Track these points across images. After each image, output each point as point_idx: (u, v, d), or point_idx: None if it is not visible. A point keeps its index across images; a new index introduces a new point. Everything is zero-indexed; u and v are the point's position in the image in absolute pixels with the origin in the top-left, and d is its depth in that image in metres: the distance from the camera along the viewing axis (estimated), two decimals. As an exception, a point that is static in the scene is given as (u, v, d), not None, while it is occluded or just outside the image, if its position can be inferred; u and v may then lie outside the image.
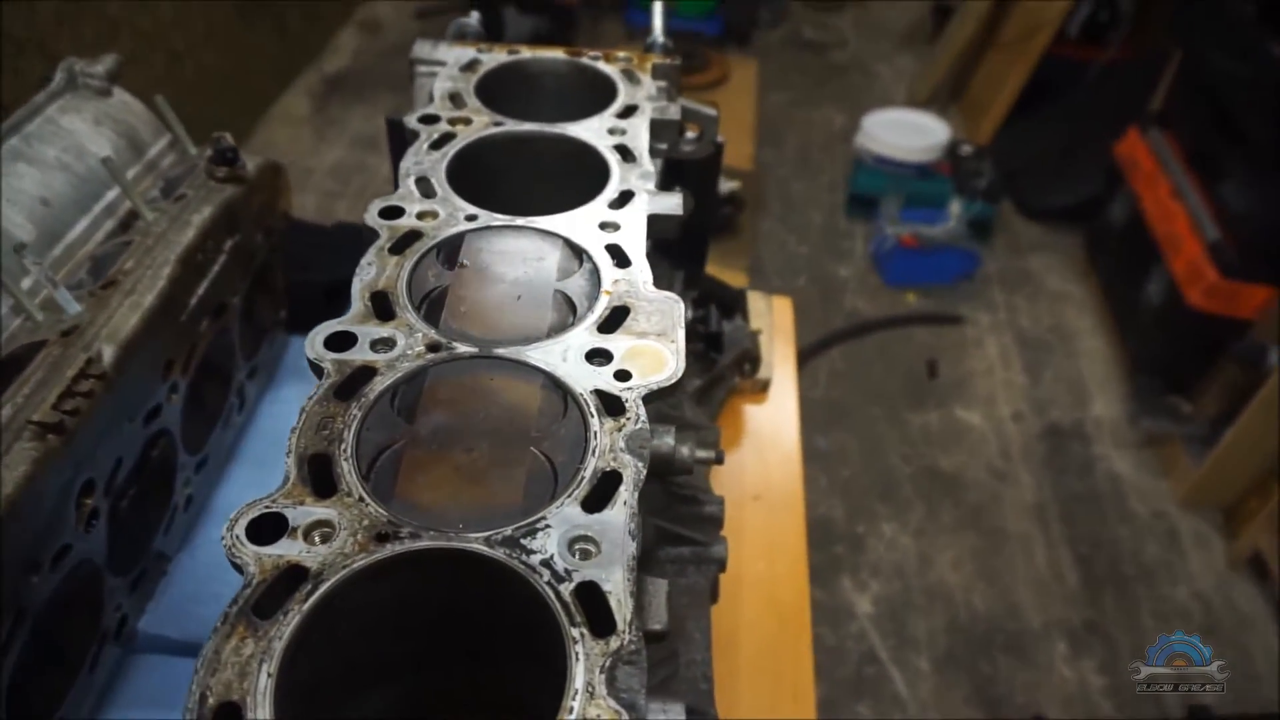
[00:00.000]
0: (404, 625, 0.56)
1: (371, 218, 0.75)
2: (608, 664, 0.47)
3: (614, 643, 0.48)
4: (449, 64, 0.96)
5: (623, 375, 0.63)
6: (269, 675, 0.45)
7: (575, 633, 0.48)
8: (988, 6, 4.30)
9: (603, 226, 0.76)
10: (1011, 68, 4.19)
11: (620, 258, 0.73)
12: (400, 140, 0.93)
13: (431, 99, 0.91)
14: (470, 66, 0.96)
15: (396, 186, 0.79)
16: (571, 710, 0.45)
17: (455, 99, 0.90)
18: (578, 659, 0.47)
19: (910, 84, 4.78)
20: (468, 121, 0.87)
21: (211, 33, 3.60)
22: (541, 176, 0.86)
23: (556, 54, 0.99)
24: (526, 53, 0.99)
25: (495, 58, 0.98)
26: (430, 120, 0.87)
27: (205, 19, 3.54)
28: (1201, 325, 2.72)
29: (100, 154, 0.98)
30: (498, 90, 0.93)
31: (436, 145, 0.83)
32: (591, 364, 0.64)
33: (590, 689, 0.46)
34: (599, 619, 0.49)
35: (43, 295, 0.83)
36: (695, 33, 4.73)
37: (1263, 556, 2.63)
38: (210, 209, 0.94)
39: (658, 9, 1.19)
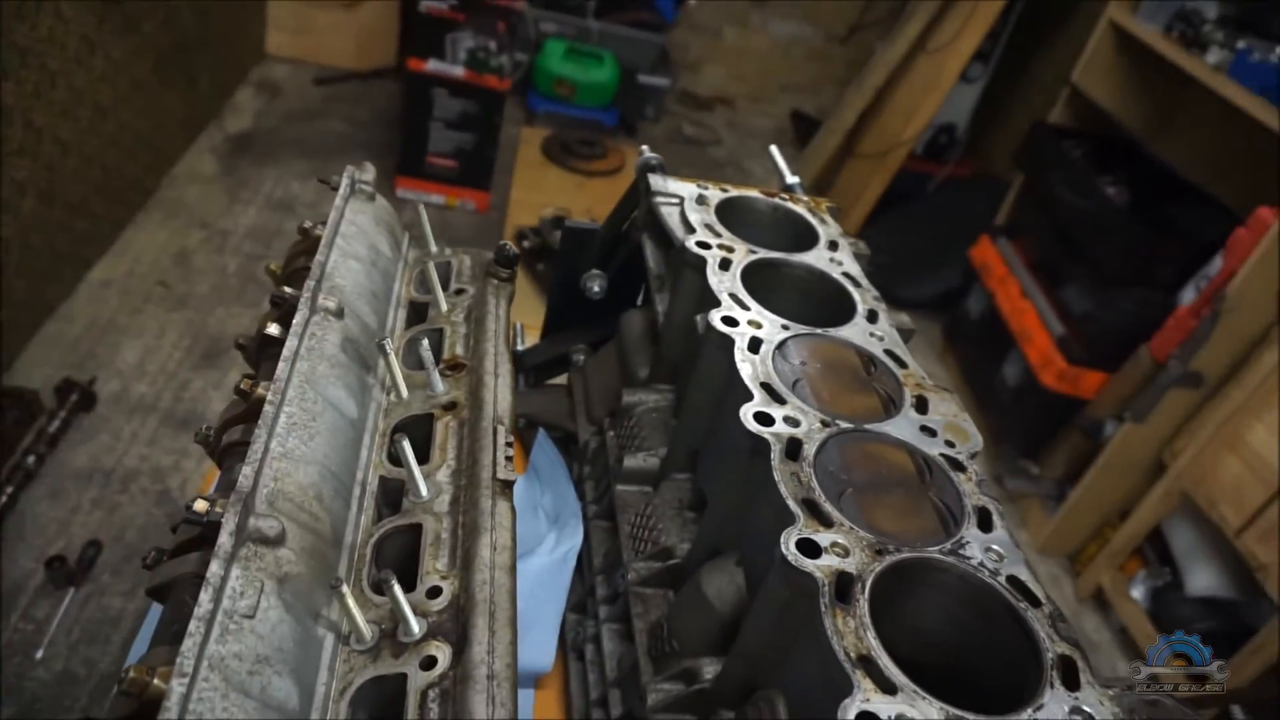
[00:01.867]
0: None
1: (716, 323, 1.00)
2: (1046, 621, 0.75)
3: (1046, 608, 0.76)
4: (686, 198, 1.22)
5: (949, 444, 0.92)
6: (874, 637, 0.70)
7: (1021, 606, 0.76)
8: (850, 124, 5.00)
9: (871, 335, 1.05)
10: (873, 175, 4.88)
11: (898, 360, 1.02)
12: (573, 240, 1.23)
13: (690, 227, 1.16)
14: (701, 200, 1.23)
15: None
16: (1047, 645, 0.73)
17: (709, 228, 1.17)
18: (1033, 621, 0.75)
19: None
20: (731, 249, 1.14)
21: (134, 88, 3.54)
22: (788, 293, 1.14)
23: (757, 194, 1.29)
24: (735, 191, 1.28)
25: (715, 195, 1.25)
26: (704, 246, 1.13)
27: (129, 75, 3.48)
28: (1052, 403, 3.35)
29: (384, 251, 1.16)
30: (724, 220, 1.21)
31: (724, 266, 1.10)
32: (925, 435, 0.92)
33: (1050, 637, 0.74)
34: (1028, 597, 0.77)
35: (397, 375, 1.00)
36: (596, 121, 5.11)
37: (1104, 592, 3.24)
38: (504, 302, 1.14)
39: (777, 154, 1.51)
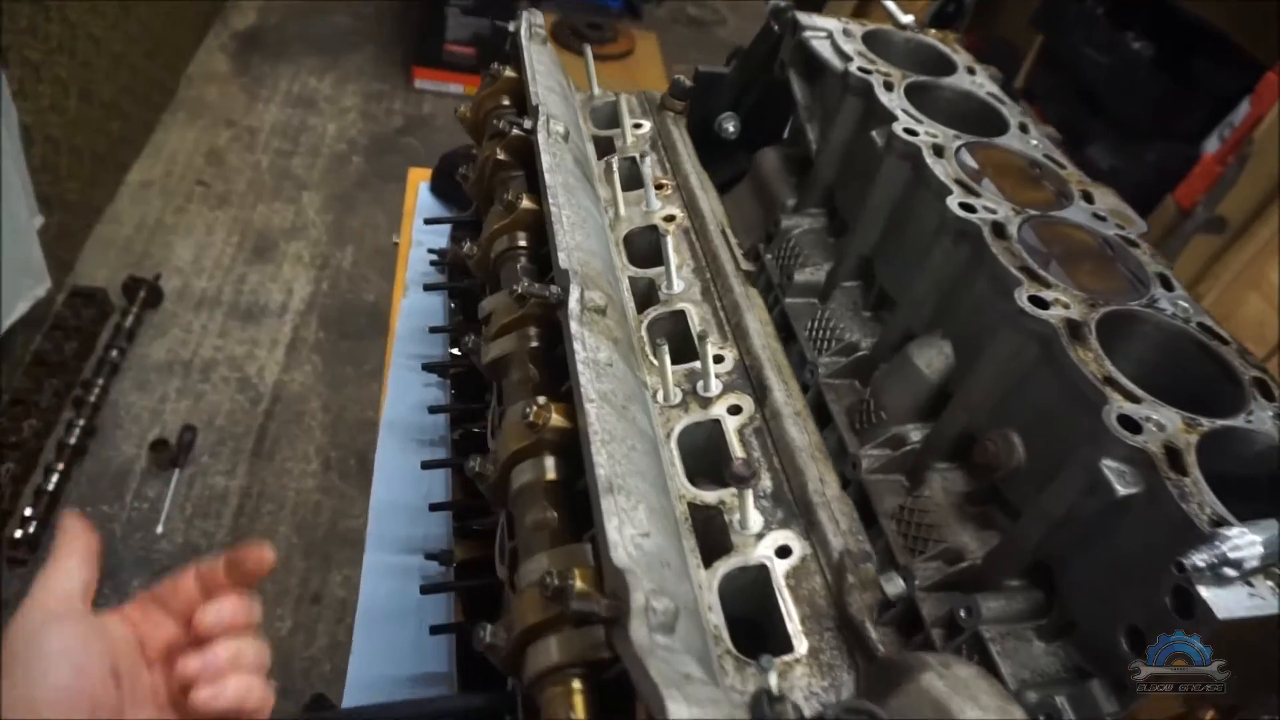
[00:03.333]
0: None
1: (900, 133, 1.10)
2: (1236, 354, 0.89)
3: (1234, 345, 0.90)
4: (833, 31, 1.30)
5: (1120, 227, 1.05)
6: (1110, 364, 0.83)
7: (1214, 344, 0.90)
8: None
9: (1030, 143, 1.16)
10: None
11: (1057, 163, 1.14)
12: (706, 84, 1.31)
13: (844, 56, 1.25)
14: (846, 34, 1.31)
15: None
16: (1242, 370, 0.86)
17: (863, 55, 1.25)
18: (1227, 354, 0.89)
19: (788, 61, 5.38)
20: (888, 74, 1.23)
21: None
22: (942, 112, 1.24)
23: (890, 28, 1.37)
24: (872, 25, 1.36)
25: (857, 28, 1.34)
26: (866, 71, 1.22)
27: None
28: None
29: (567, 87, 1.24)
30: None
31: (888, 88, 1.19)
32: (1097, 220, 1.05)
33: (1243, 366, 0.88)
34: (1217, 338, 0.91)
35: (618, 192, 1.10)
36: (602, 4, 5.04)
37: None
38: (685, 131, 1.23)
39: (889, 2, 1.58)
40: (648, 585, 0.54)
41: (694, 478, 0.86)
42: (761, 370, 0.86)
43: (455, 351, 1.28)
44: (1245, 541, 0.67)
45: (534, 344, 0.84)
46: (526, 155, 1.06)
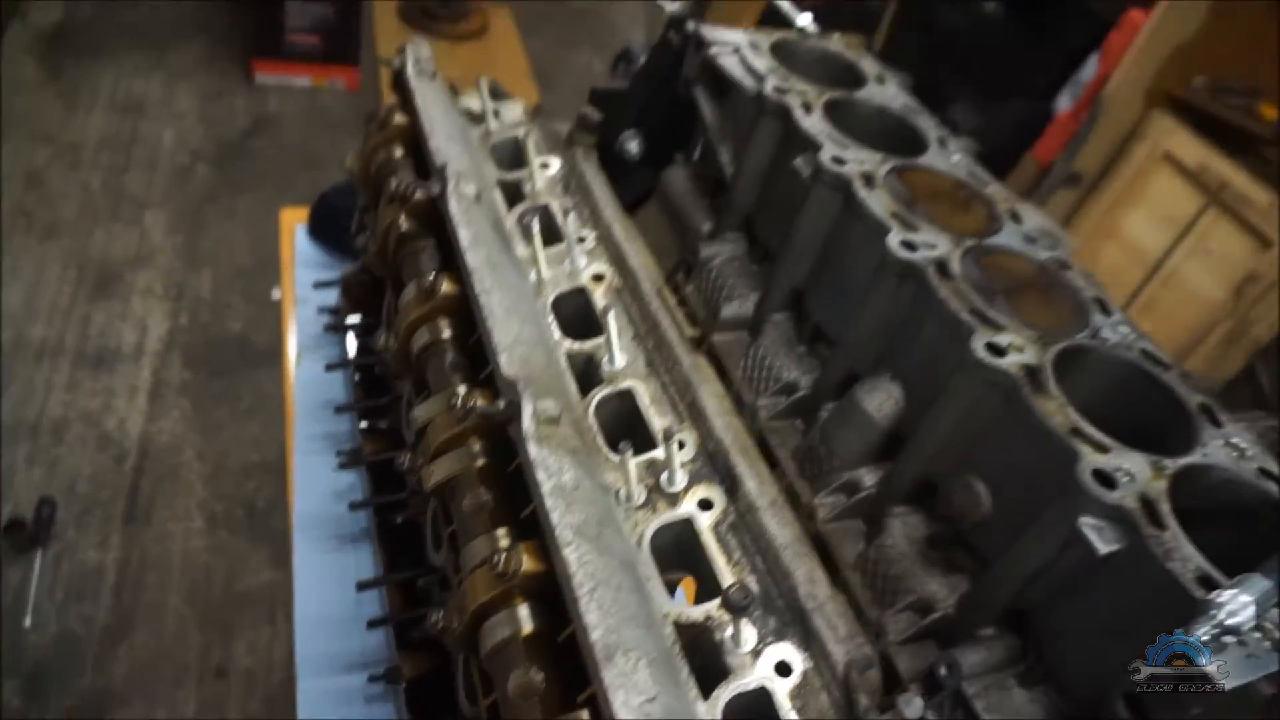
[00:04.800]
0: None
1: (828, 163, 1.05)
2: (1179, 379, 0.90)
3: (1175, 370, 0.91)
4: (741, 46, 1.24)
5: (1051, 247, 1.04)
6: (1074, 411, 0.82)
7: (1157, 371, 0.90)
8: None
9: (951, 160, 1.14)
10: (742, 13, 4.86)
11: (980, 180, 1.12)
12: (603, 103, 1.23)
13: (756, 74, 1.19)
14: (755, 47, 1.25)
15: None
16: (1187, 398, 0.87)
17: (776, 73, 1.20)
18: (1172, 382, 0.89)
19: (647, 25, 5.30)
20: (806, 92, 1.18)
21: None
22: (859, 129, 1.20)
23: (793, 36, 1.32)
24: (777, 35, 1.30)
25: (763, 40, 1.28)
26: (782, 91, 1.16)
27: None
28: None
29: (466, 130, 1.13)
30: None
31: (806, 110, 1.14)
32: (1028, 243, 1.04)
33: (1188, 392, 0.89)
34: (1160, 364, 0.91)
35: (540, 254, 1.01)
36: (452, -18, 4.79)
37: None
38: (598, 169, 1.14)
39: (785, 3, 1.53)
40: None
41: (668, 568, 0.80)
42: (728, 456, 0.80)
43: (365, 426, 1.16)
44: (1239, 605, 0.67)
45: (482, 461, 0.76)
46: (434, 219, 0.96)
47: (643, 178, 1.45)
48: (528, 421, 0.70)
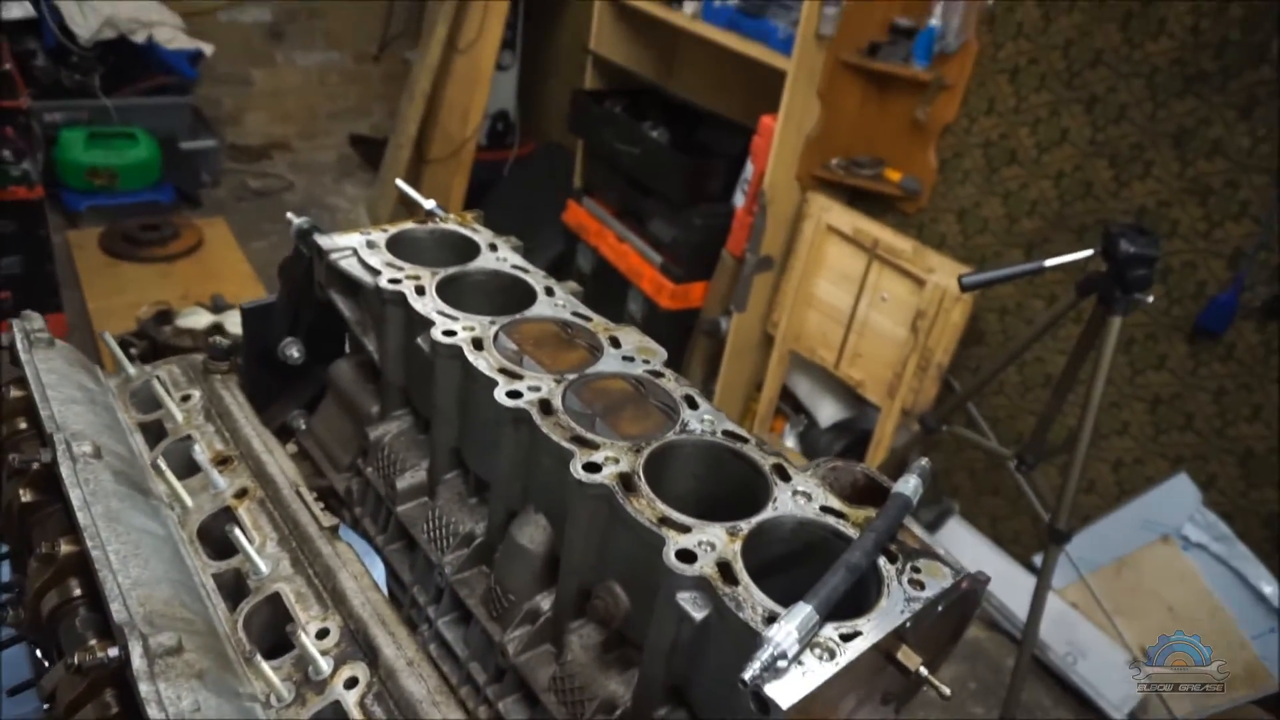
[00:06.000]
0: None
1: (439, 337, 1.18)
2: (756, 448, 1.08)
3: (753, 440, 1.09)
4: (357, 247, 1.37)
5: (646, 361, 1.22)
6: (661, 503, 0.96)
7: (737, 446, 1.08)
8: (413, 134, 5.20)
9: (557, 306, 1.31)
10: (452, 177, 5.15)
11: (584, 317, 1.29)
12: (255, 318, 1.34)
13: (373, 269, 1.32)
14: (370, 245, 1.39)
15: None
16: (762, 462, 1.05)
17: (390, 265, 1.33)
18: (749, 451, 1.07)
19: (370, 208, 5.46)
20: (418, 275, 1.32)
21: None
22: (476, 295, 1.35)
23: (413, 224, 1.47)
24: (394, 229, 1.45)
25: (380, 236, 1.42)
26: (395, 281, 1.29)
27: None
28: (675, 320, 3.93)
29: (92, 387, 1.18)
30: (396, 254, 1.38)
31: (419, 292, 1.28)
32: (627, 363, 1.21)
33: (762, 457, 1.06)
34: (739, 439, 1.09)
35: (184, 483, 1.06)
36: (152, 202, 4.74)
37: (765, 449, 3.93)
38: (237, 391, 1.21)
39: (405, 186, 1.70)
40: None
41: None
42: (367, 630, 0.87)
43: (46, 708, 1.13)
44: (784, 635, 0.81)
45: (115, 710, 0.78)
46: (55, 484, 0.99)
47: (314, 377, 1.53)
48: (137, 661, 0.74)
